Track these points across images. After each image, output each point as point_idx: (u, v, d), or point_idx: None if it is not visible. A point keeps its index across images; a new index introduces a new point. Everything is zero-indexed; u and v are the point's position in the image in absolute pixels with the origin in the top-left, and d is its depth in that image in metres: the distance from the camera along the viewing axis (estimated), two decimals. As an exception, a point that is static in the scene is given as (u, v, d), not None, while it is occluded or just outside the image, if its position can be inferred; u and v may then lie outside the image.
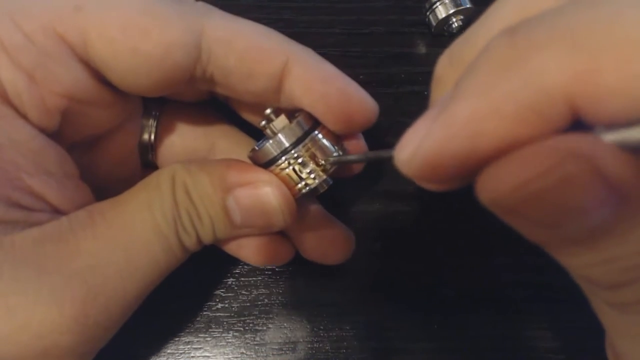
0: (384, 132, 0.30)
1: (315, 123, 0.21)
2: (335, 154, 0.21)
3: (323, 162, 0.20)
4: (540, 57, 0.11)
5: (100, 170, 0.22)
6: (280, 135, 0.20)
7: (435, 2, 0.31)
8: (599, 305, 0.15)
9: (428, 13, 0.31)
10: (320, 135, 0.20)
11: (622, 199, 0.11)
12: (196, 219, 0.19)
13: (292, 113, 0.21)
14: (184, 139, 0.24)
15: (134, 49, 0.17)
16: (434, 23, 0.31)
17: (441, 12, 0.31)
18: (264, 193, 0.20)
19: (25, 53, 0.17)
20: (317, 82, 0.20)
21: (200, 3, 0.19)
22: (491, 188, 0.13)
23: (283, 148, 0.20)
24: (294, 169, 0.20)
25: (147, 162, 0.24)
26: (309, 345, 0.25)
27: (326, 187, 0.21)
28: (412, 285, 0.26)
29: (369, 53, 0.31)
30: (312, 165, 0.20)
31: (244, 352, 0.25)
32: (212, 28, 0.18)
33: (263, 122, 0.20)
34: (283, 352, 0.25)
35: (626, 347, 0.15)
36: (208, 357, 0.25)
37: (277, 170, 0.20)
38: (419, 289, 0.26)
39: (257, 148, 0.21)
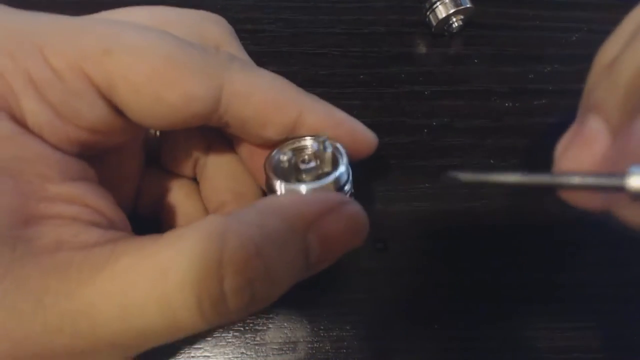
0: (384, 132, 0.30)
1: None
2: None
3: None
4: None
5: (104, 167, 0.22)
6: (342, 168, 0.20)
7: (435, 2, 0.31)
8: None
9: (428, 13, 0.31)
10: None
11: None
12: (238, 280, 0.17)
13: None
14: (187, 137, 0.24)
15: (157, 98, 0.18)
16: (434, 23, 0.31)
17: (441, 12, 0.31)
18: (355, 211, 0.19)
19: (52, 88, 0.17)
20: (330, 128, 0.21)
21: (223, 52, 0.20)
22: None
23: (345, 179, 0.21)
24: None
25: (151, 158, 0.24)
26: (309, 345, 0.25)
27: None
28: (412, 285, 0.26)
29: (369, 53, 0.32)
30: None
31: (244, 351, 0.25)
32: (233, 81, 0.19)
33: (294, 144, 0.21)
34: (283, 351, 0.25)
35: None
36: (208, 356, 0.25)
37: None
38: (419, 288, 0.26)
39: (316, 186, 0.20)
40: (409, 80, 0.31)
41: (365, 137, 0.22)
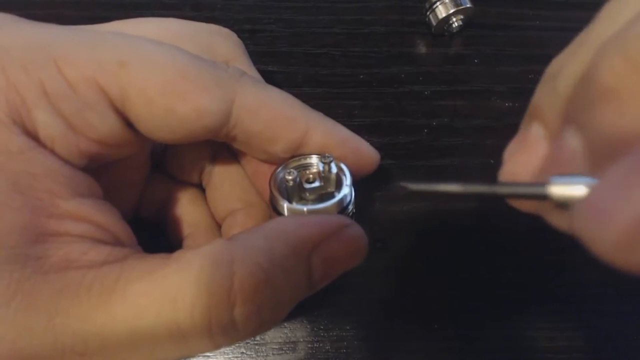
0: (384, 132, 0.30)
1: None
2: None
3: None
4: None
5: (109, 175, 0.22)
6: (345, 190, 0.21)
7: (435, 2, 0.31)
8: None
9: (428, 13, 0.31)
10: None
11: None
12: (248, 307, 0.17)
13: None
14: (193, 144, 0.24)
15: (169, 111, 0.18)
16: (434, 23, 0.31)
17: (441, 12, 0.31)
18: (356, 234, 0.19)
19: (65, 100, 0.17)
20: (335, 146, 0.21)
21: (233, 68, 0.20)
22: None
23: (349, 199, 0.21)
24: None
25: (156, 163, 0.24)
26: (309, 345, 0.25)
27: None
28: (412, 285, 0.27)
29: (369, 53, 0.32)
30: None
31: (244, 351, 0.25)
32: (243, 96, 0.19)
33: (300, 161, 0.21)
34: (283, 351, 0.25)
35: None
36: (208, 356, 0.25)
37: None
38: (419, 288, 0.26)
39: (320, 208, 0.20)
40: (409, 80, 0.31)
41: (368, 155, 0.22)
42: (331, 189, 0.21)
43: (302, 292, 0.19)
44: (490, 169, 0.29)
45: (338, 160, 0.21)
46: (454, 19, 0.31)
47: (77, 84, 0.17)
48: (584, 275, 0.27)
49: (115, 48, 0.18)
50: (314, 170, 0.21)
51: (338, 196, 0.20)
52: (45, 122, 0.17)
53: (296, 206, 0.20)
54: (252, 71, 0.25)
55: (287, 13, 0.32)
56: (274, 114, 0.20)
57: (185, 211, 0.25)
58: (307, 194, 0.22)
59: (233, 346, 0.25)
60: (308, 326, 0.26)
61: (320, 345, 0.25)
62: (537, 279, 0.27)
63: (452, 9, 0.31)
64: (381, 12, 0.32)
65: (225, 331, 0.18)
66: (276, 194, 0.21)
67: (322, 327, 0.26)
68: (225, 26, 0.24)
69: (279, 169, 0.21)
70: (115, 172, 0.22)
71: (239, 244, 0.18)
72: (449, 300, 0.26)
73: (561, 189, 0.13)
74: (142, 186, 0.24)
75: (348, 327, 0.26)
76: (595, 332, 0.26)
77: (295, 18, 0.32)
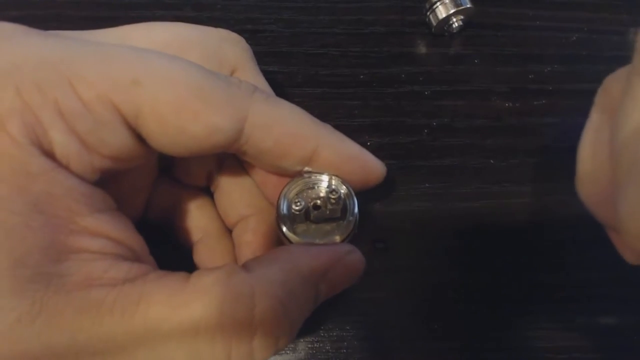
0: (384, 132, 0.30)
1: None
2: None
3: None
4: None
5: (117, 183, 0.22)
6: (354, 212, 0.22)
7: (435, 2, 0.31)
8: None
9: (428, 13, 0.31)
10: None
11: None
12: (267, 339, 0.19)
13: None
14: None
15: (182, 129, 0.18)
16: (434, 23, 0.31)
17: (441, 12, 0.31)
18: (356, 259, 0.21)
19: (81, 120, 0.17)
20: (343, 162, 0.22)
21: (245, 84, 0.20)
22: None
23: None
24: None
25: (163, 167, 0.24)
26: (309, 345, 0.25)
27: None
28: (412, 285, 0.26)
29: (369, 53, 0.32)
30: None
31: (244, 352, 0.25)
32: (255, 113, 0.19)
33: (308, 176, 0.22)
34: (283, 351, 0.25)
35: None
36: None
37: None
38: (419, 288, 0.26)
39: (328, 242, 0.21)
40: (409, 80, 0.31)
41: (375, 170, 0.23)
42: (337, 214, 0.22)
43: (309, 312, 0.20)
44: (490, 169, 0.29)
45: (345, 182, 0.22)
46: (454, 19, 0.31)
47: (92, 102, 0.17)
48: (584, 275, 0.27)
49: (129, 65, 0.18)
50: (322, 195, 0.22)
51: (345, 233, 0.21)
52: (61, 142, 0.17)
53: (305, 239, 0.21)
54: (260, 78, 0.25)
55: (287, 13, 0.32)
56: (285, 132, 0.20)
57: (194, 216, 0.25)
58: (312, 216, 0.22)
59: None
60: (308, 326, 0.26)
61: (320, 345, 0.25)
62: (537, 279, 0.27)
63: (452, 9, 0.31)
64: (381, 12, 0.32)
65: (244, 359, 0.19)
66: (283, 226, 0.21)
67: (322, 327, 0.26)
68: (225, 26, 0.24)
69: (285, 189, 0.22)
70: (123, 178, 0.22)
71: (259, 277, 0.19)
72: (449, 300, 0.26)
73: None
74: (150, 191, 0.24)
75: (348, 327, 0.26)
76: (595, 332, 0.26)
77: (295, 18, 0.32)
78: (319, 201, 0.22)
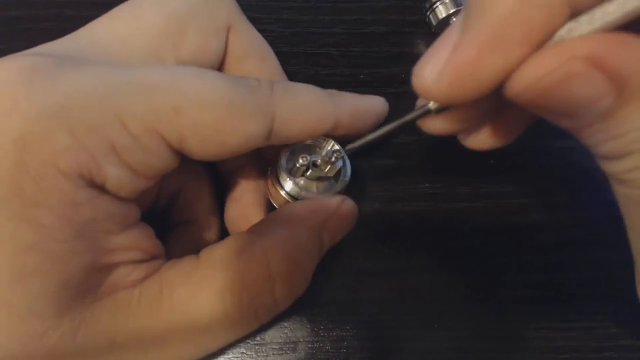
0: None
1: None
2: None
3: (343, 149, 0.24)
4: None
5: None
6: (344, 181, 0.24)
7: (435, 2, 0.31)
8: (617, 193, 0.18)
9: (428, 13, 0.31)
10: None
11: (620, 87, 0.14)
12: (286, 287, 0.21)
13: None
14: None
15: (222, 143, 0.20)
16: (434, 23, 0.31)
17: (441, 12, 0.31)
18: (350, 206, 0.23)
19: (132, 153, 0.18)
20: (358, 121, 0.24)
21: (264, 82, 0.21)
22: (514, 87, 0.16)
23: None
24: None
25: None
26: (309, 345, 0.25)
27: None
28: (412, 285, 0.27)
29: (369, 53, 0.32)
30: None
31: (244, 351, 0.25)
32: (280, 110, 0.21)
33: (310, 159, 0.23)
34: (283, 351, 0.25)
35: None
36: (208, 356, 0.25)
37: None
38: (419, 288, 0.26)
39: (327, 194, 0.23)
40: (409, 80, 0.31)
41: (382, 110, 0.26)
42: (330, 173, 0.24)
43: (317, 260, 0.22)
44: (490, 169, 0.29)
45: (345, 150, 0.24)
46: (454, 19, 0.31)
47: (140, 135, 0.18)
48: (583, 275, 0.27)
49: (168, 94, 0.19)
50: (324, 155, 0.23)
51: (340, 184, 0.24)
52: (114, 175, 0.18)
53: (306, 193, 0.23)
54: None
55: (287, 13, 0.32)
56: (308, 117, 0.22)
57: (193, 196, 0.26)
58: (308, 172, 0.23)
59: (233, 346, 0.25)
60: (308, 326, 0.26)
61: (320, 345, 0.25)
62: (537, 279, 0.27)
63: (452, 9, 0.31)
64: (381, 12, 0.32)
65: (270, 311, 0.22)
66: (285, 175, 0.23)
67: (322, 327, 0.26)
68: (225, 26, 0.24)
69: (287, 149, 0.23)
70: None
71: (267, 237, 0.21)
72: (449, 300, 0.26)
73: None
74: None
75: (348, 327, 0.26)
76: (596, 332, 0.26)
77: (295, 18, 0.32)
78: (319, 160, 0.23)
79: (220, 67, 0.24)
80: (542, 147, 0.30)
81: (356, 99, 0.24)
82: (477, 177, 0.29)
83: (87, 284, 0.18)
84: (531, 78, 0.15)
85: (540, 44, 0.15)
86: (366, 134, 0.23)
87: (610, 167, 0.17)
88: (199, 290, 0.20)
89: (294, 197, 0.23)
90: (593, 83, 0.14)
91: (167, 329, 0.19)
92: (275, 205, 0.24)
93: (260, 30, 0.26)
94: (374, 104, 0.25)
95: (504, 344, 0.26)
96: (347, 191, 0.24)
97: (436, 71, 0.16)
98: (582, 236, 0.28)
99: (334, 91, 0.24)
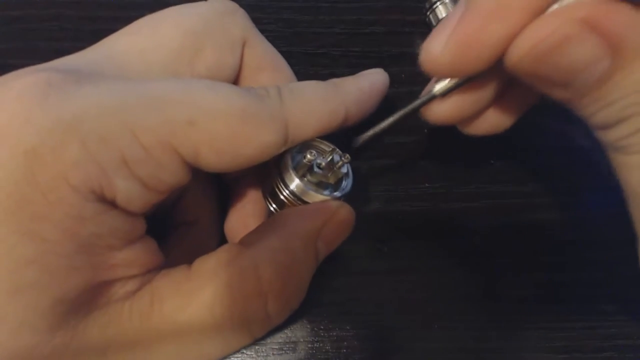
0: (385, 131, 0.30)
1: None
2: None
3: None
4: None
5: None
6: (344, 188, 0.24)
7: (435, 2, 0.31)
8: (615, 161, 0.18)
9: (428, 13, 0.31)
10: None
11: (616, 50, 0.15)
12: (279, 302, 0.21)
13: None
14: None
15: (237, 154, 0.19)
16: (434, 23, 0.31)
17: (441, 12, 0.31)
18: (347, 213, 0.22)
19: (143, 166, 0.18)
20: (366, 104, 0.24)
21: (271, 89, 0.21)
22: (514, 53, 0.16)
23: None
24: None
25: None
26: (309, 345, 0.25)
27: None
28: (412, 285, 0.27)
29: (369, 53, 0.32)
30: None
31: (244, 351, 0.25)
32: (292, 116, 0.21)
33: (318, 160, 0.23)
34: (283, 351, 0.25)
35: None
36: (208, 357, 0.25)
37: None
38: (419, 288, 0.26)
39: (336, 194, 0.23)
40: (409, 80, 0.31)
41: (385, 86, 0.25)
42: (331, 180, 0.23)
43: (313, 271, 0.22)
44: (490, 169, 0.29)
45: (349, 159, 0.23)
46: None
47: (153, 148, 0.18)
48: (583, 276, 0.27)
49: (182, 106, 0.18)
50: (329, 158, 0.23)
51: (340, 192, 0.23)
52: (124, 188, 0.18)
53: (311, 193, 0.22)
54: (265, 43, 0.25)
55: (287, 13, 0.32)
56: (320, 117, 0.21)
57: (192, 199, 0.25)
58: (310, 174, 0.23)
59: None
60: (308, 326, 0.26)
61: (320, 345, 0.25)
62: (536, 279, 0.27)
63: (452, 9, 0.31)
64: (381, 12, 0.32)
65: (263, 326, 0.21)
66: (289, 161, 0.22)
67: (322, 327, 0.26)
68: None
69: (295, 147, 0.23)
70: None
71: (259, 249, 0.20)
72: (449, 300, 0.26)
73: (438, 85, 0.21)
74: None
75: (348, 327, 0.26)
76: (595, 332, 0.26)
77: (295, 18, 0.32)
78: (324, 163, 0.23)
79: (235, 80, 0.24)
80: (542, 147, 0.30)
81: (358, 82, 0.24)
82: (477, 177, 0.29)
83: (82, 299, 0.18)
84: (530, 43, 0.15)
85: (540, 11, 0.15)
86: (374, 125, 0.23)
87: (607, 136, 0.17)
88: (188, 302, 0.19)
89: (296, 197, 0.22)
90: (589, 46, 0.15)
91: (157, 340, 0.19)
92: (272, 210, 0.24)
93: (260, 30, 0.26)
94: (375, 81, 0.25)
95: (504, 343, 0.26)
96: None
97: (442, 43, 0.17)
98: (582, 236, 0.28)
99: (335, 80, 0.23)
